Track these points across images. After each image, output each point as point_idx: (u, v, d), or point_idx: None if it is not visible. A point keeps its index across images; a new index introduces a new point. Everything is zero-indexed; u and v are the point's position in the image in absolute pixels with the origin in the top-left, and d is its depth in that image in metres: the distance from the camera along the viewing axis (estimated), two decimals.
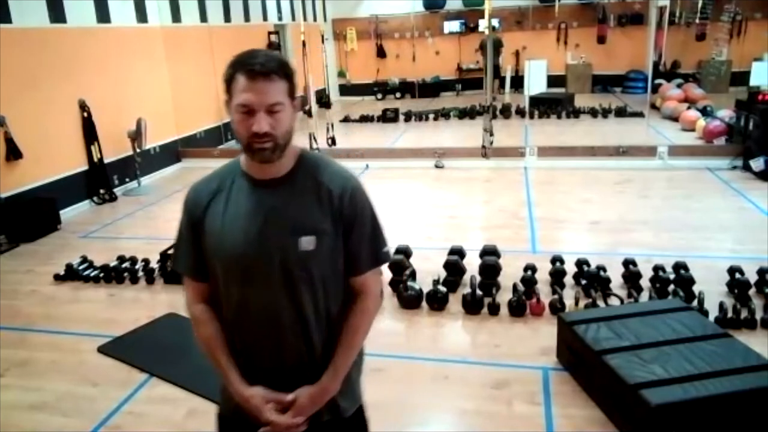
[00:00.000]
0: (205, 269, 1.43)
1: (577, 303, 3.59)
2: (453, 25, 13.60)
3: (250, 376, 1.42)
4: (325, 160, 1.45)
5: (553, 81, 12.55)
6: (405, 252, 4.20)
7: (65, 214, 6.06)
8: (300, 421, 1.38)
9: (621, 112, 10.26)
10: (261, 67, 1.27)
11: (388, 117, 10.92)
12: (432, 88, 13.87)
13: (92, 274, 4.45)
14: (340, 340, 1.42)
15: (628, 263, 3.97)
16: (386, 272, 4.07)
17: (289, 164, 1.38)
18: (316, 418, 1.42)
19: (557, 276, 3.93)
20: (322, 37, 9.70)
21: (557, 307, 3.54)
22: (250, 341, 1.42)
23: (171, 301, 4.09)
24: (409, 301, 3.77)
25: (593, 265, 3.97)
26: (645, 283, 3.83)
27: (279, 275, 1.35)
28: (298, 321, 1.38)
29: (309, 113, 10.00)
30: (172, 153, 8.13)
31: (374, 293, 1.47)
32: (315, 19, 12.91)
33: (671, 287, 3.72)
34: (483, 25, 11.11)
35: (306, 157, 1.42)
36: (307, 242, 1.34)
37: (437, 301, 3.74)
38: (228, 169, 1.44)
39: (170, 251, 1.44)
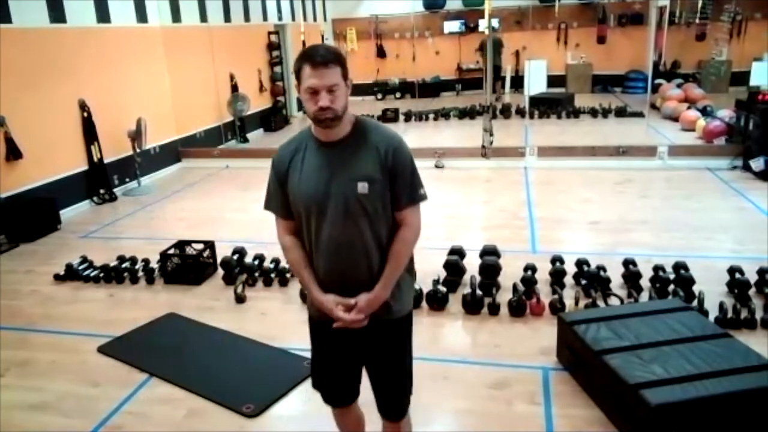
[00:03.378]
0: (290, 209, 1.85)
1: (577, 303, 3.59)
2: (453, 25, 13.59)
3: (324, 288, 1.84)
4: (374, 124, 1.86)
5: (553, 81, 12.60)
6: None
7: (65, 214, 6.06)
8: (360, 317, 1.81)
9: (621, 112, 10.26)
10: (321, 58, 1.65)
11: (388, 117, 10.92)
12: (432, 88, 13.86)
13: (92, 274, 4.45)
14: (387, 260, 1.83)
15: (628, 263, 3.97)
16: None
17: (347, 129, 1.78)
18: (375, 317, 1.84)
19: (557, 276, 3.93)
20: (322, 37, 9.73)
21: (557, 307, 3.54)
22: (324, 262, 1.83)
23: (171, 301, 4.09)
24: None
25: (593, 265, 3.97)
26: (645, 283, 3.83)
27: (342, 211, 1.75)
28: (361, 246, 1.79)
29: None
30: (172, 153, 8.13)
31: (412, 224, 1.85)
32: (315, 19, 12.92)
33: (671, 287, 3.72)
34: (483, 25, 11.09)
35: (360, 123, 1.82)
36: (362, 187, 1.74)
37: (437, 301, 3.73)
38: (301, 135, 1.86)
39: (263, 199, 1.95)
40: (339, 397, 2.08)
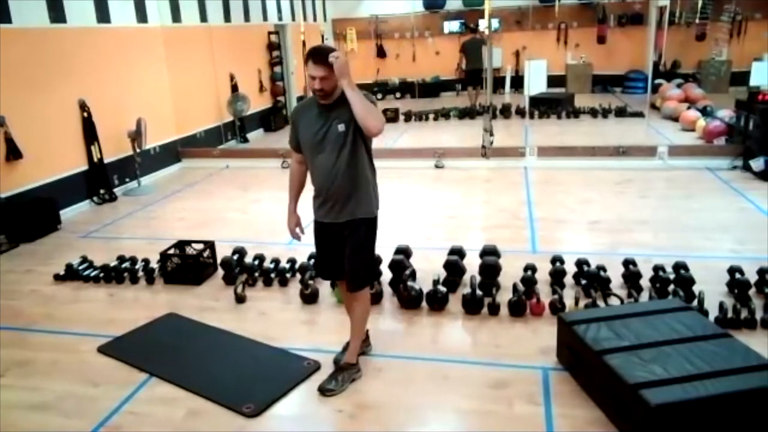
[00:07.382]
0: (299, 145, 2.90)
1: (577, 303, 3.59)
2: (453, 25, 13.61)
3: (319, 196, 2.88)
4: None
5: (553, 81, 12.50)
6: (405, 252, 4.19)
7: (65, 214, 6.06)
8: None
9: (621, 112, 10.26)
10: (319, 57, 2.61)
11: (388, 117, 10.88)
12: (432, 88, 13.88)
13: (92, 274, 4.45)
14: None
15: (628, 263, 3.97)
16: (386, 273, 4.08)
17: (336, 96, 2.74)
18: (350, 218, 2.85)
19: (557, 276, 3.93)
20: (322, 37, 9.71)
21: (557, 307, 3.54)
22: (319, 180, 2.85)
23: (171, 301, 4.09)
24: (408, 301, 3.77)
25: (593, 265, 3.97)
26: (645, 283, 3.83)
27: (333, 142, 2.76)
28: (340, 164, 2.77)
29: None
30: (172, 153, 8.13)
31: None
32: (315, 19, 12.91)
33: (671, 287, 3.71)
34: (483, 24, 11.07)
35: (343, 92, 2.69)
36: (342, 127, 2.74)
37: (437, 301, 3.73)
38: (311, 99, 2.86)
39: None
40: (326, 273, 3.14)
